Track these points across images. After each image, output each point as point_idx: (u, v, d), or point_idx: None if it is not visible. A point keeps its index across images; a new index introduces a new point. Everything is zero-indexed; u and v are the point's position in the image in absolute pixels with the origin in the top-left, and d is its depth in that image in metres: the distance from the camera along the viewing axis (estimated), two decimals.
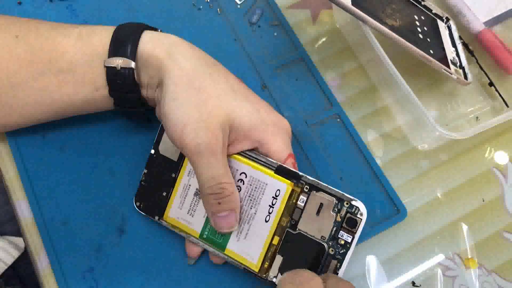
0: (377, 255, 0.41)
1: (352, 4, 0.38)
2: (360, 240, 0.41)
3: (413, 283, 0.40)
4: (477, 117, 0.46)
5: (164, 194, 0.38)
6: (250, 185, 0.36)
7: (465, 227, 0.42)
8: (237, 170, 0.37)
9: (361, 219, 0.34)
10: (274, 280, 0.35)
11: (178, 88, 0.34)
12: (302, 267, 0.34)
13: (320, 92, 0.46)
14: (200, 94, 0.34)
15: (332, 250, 0.34)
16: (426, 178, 0.44)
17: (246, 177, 0.37)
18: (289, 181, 0.36)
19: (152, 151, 0.39)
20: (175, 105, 0.34)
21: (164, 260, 0.40)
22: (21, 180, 0.42)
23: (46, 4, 0.48)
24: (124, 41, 0.36)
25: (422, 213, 0.43)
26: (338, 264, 0.34)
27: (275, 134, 0.37)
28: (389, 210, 0.42)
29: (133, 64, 0.35)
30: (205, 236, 0.37)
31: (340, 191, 0.34)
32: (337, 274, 0.34)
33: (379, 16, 0.40)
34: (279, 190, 0.36)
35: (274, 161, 0.36)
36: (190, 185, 0.38)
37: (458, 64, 0.45)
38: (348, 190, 0.42)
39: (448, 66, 0.43)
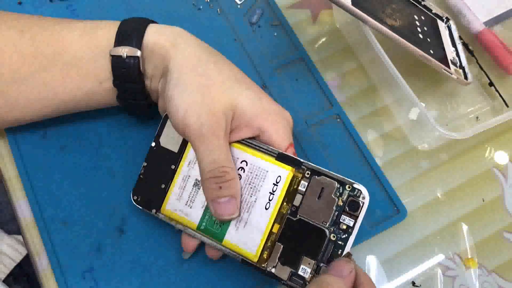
0: (377, 255, 0.41)
1: (352, 4, 0.38)
2: (360, 240, 0.41)
3: (413, 283, 0.40)
4: (477, 117, 0.46)
5: (163, 186, 0.38)
6: (251, 172, 0.36)
7: (465, 227, 0.42)
8: (237, 158, 0.37)
9: (364, 202, 0.33)
10: (273, 270, 0.34)
11: (182, 73, 0.35)
12: (302, 254, 0.34)
13: (320, 92, 0.46)
14: (203, 80, 0.35)
15: (334, 236, 0.33)
16: (426, 178, 0.44)
17: (246, 165, 0.36)
18: (290, 167, 0.35)
19: (153, 144, 0.39)
20: (179, 89, 0.35)
21: (164, 260, 0.40)
22: (21, 180, 0.42)
23: (46, 4, 0.48)
24: (130, 33, 0.36)
25: (422, 213, 0.43)
26: (340, 250, 0.33)
27: (276, 123, 0.37)
28: (389, 210, 0.42)
29: (139, 53, 0.36)
30: (202, 228, 0.36)
31: (341, 176, 0.34)
32: None
33: (379, 16, 0.40)
34: (280, 176, 0.35)
35: (275, 149, 0.36)
36: (189, 176, 0.37)
37: (458, 64, 0.45)
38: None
39: (448, 66, 0.43)
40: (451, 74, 0.42)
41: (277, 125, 0.37)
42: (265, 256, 0.35)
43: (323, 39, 0.49)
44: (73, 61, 0.37)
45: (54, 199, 0.41)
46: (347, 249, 0.33)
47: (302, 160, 0.35)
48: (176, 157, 0.38)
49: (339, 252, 0.33)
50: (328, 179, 0.34)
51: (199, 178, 0.36)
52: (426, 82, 0.47)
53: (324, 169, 0.35)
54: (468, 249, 0.42)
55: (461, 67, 0.45)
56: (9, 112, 0.38)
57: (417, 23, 0.44)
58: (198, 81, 0.35)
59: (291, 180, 0.35)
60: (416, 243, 0.42)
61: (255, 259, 0.35)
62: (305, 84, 0.47)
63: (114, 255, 0.40)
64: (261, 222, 0.35)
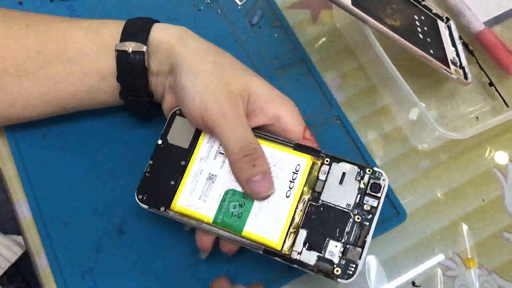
0: (377, 255, 0.41)
1: (352, 4, 0.38)
2: None
3: (413, 283, 0.40)
4: (477, 117, 0.46)
5: (172, 183, 0.37)
6: (269, 163, 0.36)
7: (465, 227, 0.42)
8: None
9: (385, 184, 0.34)
10: (298, 257, 0.33)
11: (192, 62, 0.35)
12: (328, 237, 0.33)
13: (320, 93, 0.46)
14: (216, 67, 0.36)
15: (358, 218, 0.34)
16: (426, 178, 0.44)
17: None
18: (309, 155, 0.36)
19: (160, 142, 0.38)
20: (193, 77, 0.35)
21: (164, 260, 0.40)
22: (21, 180, 0.42)
23: (46, 4, 0.48)
24: (136, 30, 0.37)
25: (422, 213, 0.43)
26: (366, 230, 0.33)
27: (290, 108, 0.37)
28: (388, 212, 0.42)
29: (144, 48, 0.36)
30: (219, 221, 0.35)
31: (359, 162, 0.35)
32: (365, 242, 0.33)
33: (379, 16, 0.40)
34: (299, 165, 0.35)
35: (291, 140, 0.36)
36: (202, 171, 0.37)
37: (458, 64, 0.45)
38: None
39: (448, 66, 0.43)
40: (451, 74, 0.42)
41: (291, 111, 0.37)
42: (289, 243, 0.34)
43: (323, 39, 0.49)
44: (77, 57, 0.37)
45: (54, 199, 0.41)
46: (372, 229, 0.33)
47: (319, 149, 0.36)
48: (186, 153, 0.38)
49: (366, 232, 0.33)
50: (348, 164, 0.35)
51: (213, 172, 0.36)
52: (426, 82, 0.47)
53: (342, 157, 0.35)
54: (468, 249, 0.41)
55: (461, 67, 0.45)
56: (10, 107, 0.38)
57: (417, 23, 0.44)
58: (211, 68, 0.35)
59: (311, 167, 0.35)
60: (416, 243, 0.42)
61: (279, 247, 0.34)
62: (305, 85, 0.47)
63: (114, 255, 0.40)
64: (282, 209, 0.35)
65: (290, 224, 0.34)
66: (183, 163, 0.37)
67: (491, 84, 0.46)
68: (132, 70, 0.37)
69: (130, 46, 0.36)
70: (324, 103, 0.46)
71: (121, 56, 0.37)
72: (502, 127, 0.46)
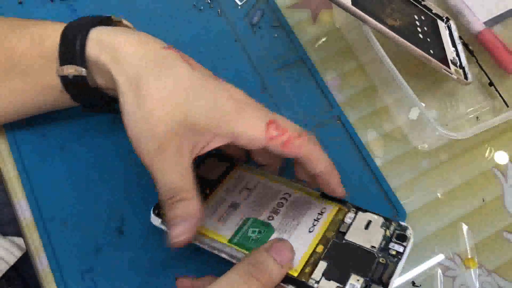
0: None
1: (352, 4, 0.38)
2: None
3: (413, 283, 0.40)
4: (477, 117, 0.46)
5: None
6: (294, 201, 0.37)
7: (465, 227, 0.42)
8: (280, 191, 0.38)
9: (410, 236, 0.33)
10: (316, 286, 0.31)
11: (126, 99, 0.33)
12: (350, 271, 0.31)
13: (320, 93, 0.46)
14: (146, 103, 0.32)
15: (383, 260, 0.32)
16: (426, 178, 0.44)
17: (290, 196, 0.37)
18: (335, 203, 0.36)
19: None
20: (128, 119, 0.33)
21: (163, 261, 0.40)
22: (21, 180, 0.42)
23: (46, 4, 0.48)
24: (72, 43, 0.35)
25: (422, 213, 0.43)
26: (390, 272, 0.31)
27: (246, 116, 0.33)
28: (388, 213, 0.42)
29: (84, 72, 0.35)
30: (235, 241, 0.34)
31: (386, 216, 0.35)
32: (389, 284, 0.31)
33: (379, 16, 0.40)
34: (325, 207, 0.36)
35: (316, 189, 0.37)
36: (225, 199, 0.38)
37: (458, 64, 0.45)
38: (348, 192, 0.42)
39: (448, 66, 0.43)
40: (451, 74, 0.42)
41: (249, 117, 0.33)
42: (307, 271, 0.32)
43: (323, 39, 0.49)
44: (29, 71, 0.37)
45: (54, 199, 0.41)
46: (397, 272, 0.32)
47: (346, 201, 0.36)
48: (213, 183, 0.39)
49: (391, 272, 0.31)
50: (374, 215, 0.35)
51: (236, 201, 0.37)
52: (426, 82, 0.47)
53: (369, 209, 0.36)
54: (468, 249, 0.41)
55: (461, 67, 0.45)
56: None
57: (417, 23, 0.44)
58: (141, 108, 0.33)
59: (337, 211, 0.36)
60: (416, 243, 0.42)
61: (296, 273, 0.32)
62: (305, 85, 0.47)
63: (113, 255, 0.40)
64: (303, 243, 0.34)
65: (311, 255, 0.33)
66: (207, 191, 0.38)
67: (491, 84, 0.46)
68: (80, 91, 0.36)
69: (70, 72, 0.35)
70: (324, 103, 0.46)
71: (65, 81, 0.36)
72: (502, 127, 0.46)
